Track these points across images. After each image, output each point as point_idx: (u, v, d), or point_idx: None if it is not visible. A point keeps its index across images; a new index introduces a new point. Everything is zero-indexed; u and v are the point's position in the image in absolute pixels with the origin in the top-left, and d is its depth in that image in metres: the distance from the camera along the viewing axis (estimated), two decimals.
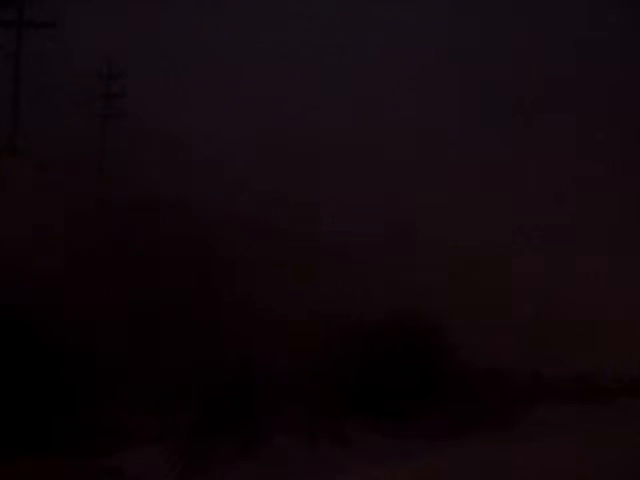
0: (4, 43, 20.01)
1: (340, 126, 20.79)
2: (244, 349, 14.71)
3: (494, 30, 22.36)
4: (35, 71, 19.42)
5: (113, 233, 16.39)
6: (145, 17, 22.32)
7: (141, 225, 16.94)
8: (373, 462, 13.50)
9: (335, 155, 20.04)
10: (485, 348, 16.79)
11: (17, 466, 11.17)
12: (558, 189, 21.04)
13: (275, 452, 13.80)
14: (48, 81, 19.01)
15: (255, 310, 15.99)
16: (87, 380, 12.90)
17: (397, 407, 15.80)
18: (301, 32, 21.80)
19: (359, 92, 21.28)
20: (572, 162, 21.27)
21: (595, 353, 18.11)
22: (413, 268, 17.95)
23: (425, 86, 21.37)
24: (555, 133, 21.88)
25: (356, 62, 21.57)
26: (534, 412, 17.08)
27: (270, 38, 22.02)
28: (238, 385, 14.42)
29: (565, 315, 18.71)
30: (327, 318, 16.38)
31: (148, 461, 12.67)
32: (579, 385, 19.10)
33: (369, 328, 16.59)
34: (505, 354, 17.03)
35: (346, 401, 15.70)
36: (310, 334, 15.97)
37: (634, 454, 14.55)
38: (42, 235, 15.17)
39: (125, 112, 20.77)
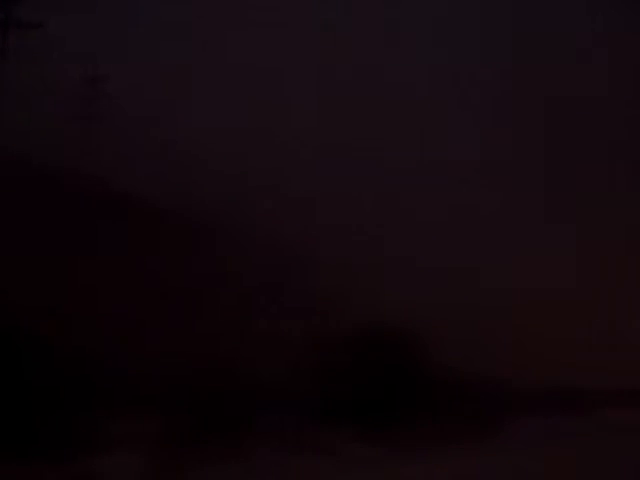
0: None
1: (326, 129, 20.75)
2: (229, 358, 14.59)
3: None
4: (20, 70, 19.19)
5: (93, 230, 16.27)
6: (128, 18, 22.15)
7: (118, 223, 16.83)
8: (354, 471, 13.42)
9: (319, 161, 19.99)
10: (462, 360, 16.85)
11: None
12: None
13: (257, 460, 13.66)
14: (32, 81, 18.79)
15: (239, 320, 15.92)
16: (65, 387, 12.70)
17: (379, 418, 15.70)
18: (285, 31, 21.76)
19: (348, 95, 21.22)
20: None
21: (569, 364, 18.27)
22: (391, 281, 17.97)
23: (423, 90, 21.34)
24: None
25: (349, 65, 21.50)
26: (510, 423, 17.09)
27: (257, 38, 21.95)
28: (222, 392, 14.27)
29: (539, 327, 18.87)
30: (311, 329, 16.35)
31: (124, 466, 12.51)
32: (554, 396, 19.18)
33: (351, 340, 16.52)
34: (481, 365, 17.11)
35: (330, 411, 15.58)
36: (295, 345, 15.90)
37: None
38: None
39: (106, 113, 20.63)
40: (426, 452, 14.22)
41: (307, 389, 15.38)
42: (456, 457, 14.00)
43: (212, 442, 13.71)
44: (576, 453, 14.79)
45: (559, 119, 22.48)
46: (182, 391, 14.11)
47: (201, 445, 13.64)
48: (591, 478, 13.42)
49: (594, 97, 22.60)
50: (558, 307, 19.01)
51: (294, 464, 13.40)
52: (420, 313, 16.64)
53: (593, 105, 22.51)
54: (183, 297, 16.27)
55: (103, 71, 21.09)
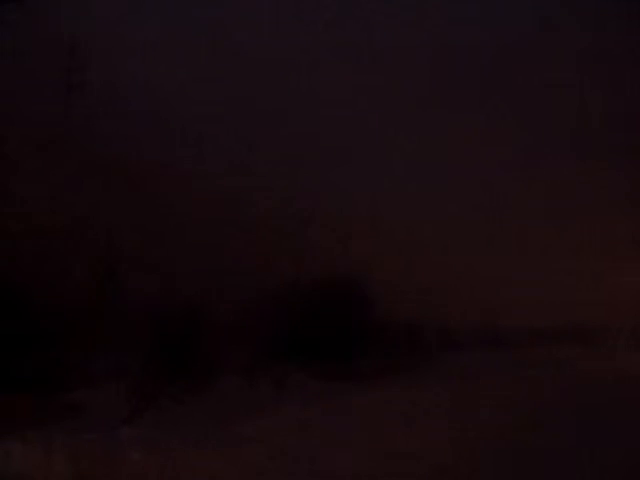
0: None
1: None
2: (191, 297, 15.26)
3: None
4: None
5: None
6: None
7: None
8: (306, 402, 14.24)
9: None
10: (402, 301, 17.59)
11: None
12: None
13: (218, 392, 14.50)
14: (15, 55, 18.99)
15: (202, 261, 16.46)
16: (50, 323, 13.36)
17: (329, 354, 16.64)
18: None
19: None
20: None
21: (501, 304, 18.89)
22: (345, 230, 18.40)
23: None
24: None
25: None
26: (447, 359, 18.04)
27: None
28: (186, 330, 15.05)
29: (473, 269, 19.37)
30: (268, 272, 16.96)
31: (105, 398, 13.30)
32: (487, 335, 20.01)
33: (305, 282, 17.32)
34: (419, 307, 17.84)
35: (284, 348, 16.48)
36: (252, 287, 16.57)
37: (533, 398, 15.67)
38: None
39: (87, 83, 20.87)
40: (373, 385, 15.22)
41: (266, 327, 16.26)
42: (398, 389, 15.00)
43: (185, 377, 14.60)
44: (502, 386, 15.83)
45: None
46: (158, 330, 14.87)
47: (175, 379, 14.50)
48: (513, 407, 14.48)
49: None
50: (488, 248, 19.42)
51: (252, 395, 14.36)
52: (368, 262, 17.44)
53: None
54: (158, 238, 16.73)
55: (86, 40, 21.23)
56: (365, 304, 17.44)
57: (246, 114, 19.95)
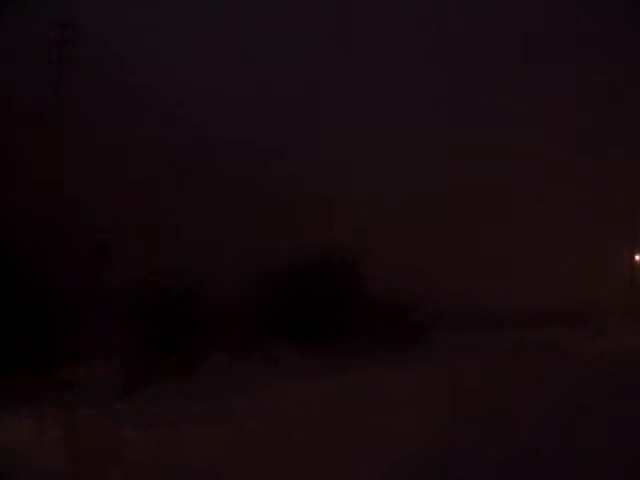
0: None
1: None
2: (187, 276, 15.27)
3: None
4: None
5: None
6: None
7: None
8: (297, 378, 14.28)
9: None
10: (395, 283, 17.65)
11: None
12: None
13: (211, 369, 14.50)
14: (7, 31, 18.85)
15: (199, 240, 16.47)
16: (44, 302, 13.33)
17: (321, 332, 16.64)
18: None
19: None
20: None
21: (496, 287, 18.99)
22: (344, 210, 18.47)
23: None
24: None
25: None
26: (436, 339, 18.12)
27: None
28: (180, 308, 15.02)
29: (469, 253, 19.48)
30: (263, 252, 16.97)
31: (99, 374, 13.28)
32: (478, 317, 20.07)
33: (299, 262, 17.31)
34: (412, 287, 17.92)
35: (277, 326, 16.47)
36: (247, 266, 16.58)
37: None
38: None
39: (78, 58, 20.72)
40: (358, 363, 15.24)
41: (260, 305, 16.25)
42: (384, 366, 15.03)
43: (178, 354, 14.58)
44: (488, 365, 15.94)
45: None
46: (152, 307, 14.84)
47: (168, 356, 14.47)
48: (495, 385, 14.62)
49: None
50: (478, 235, 19.60)
51: (245, 371, 14.37)
52: (362, 243, 17.44)
53: None
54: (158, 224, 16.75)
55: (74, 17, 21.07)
56: (359, 284, 17.40)
57: (244, 93, 19.94)
